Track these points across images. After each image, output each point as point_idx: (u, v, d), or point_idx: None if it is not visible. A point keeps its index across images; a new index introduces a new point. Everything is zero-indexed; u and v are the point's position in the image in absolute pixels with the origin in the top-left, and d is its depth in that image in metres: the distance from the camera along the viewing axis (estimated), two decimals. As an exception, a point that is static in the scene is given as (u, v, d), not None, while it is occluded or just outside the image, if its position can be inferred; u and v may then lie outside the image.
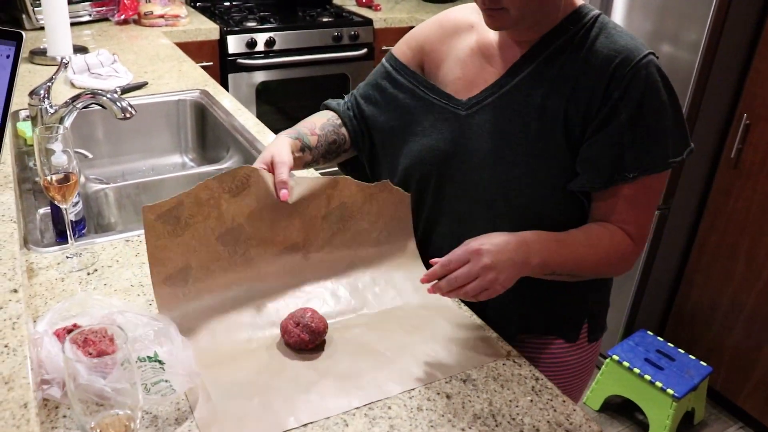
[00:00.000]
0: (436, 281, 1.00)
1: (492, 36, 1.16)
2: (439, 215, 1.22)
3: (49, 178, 1.15)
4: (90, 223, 1.66)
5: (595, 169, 1.06)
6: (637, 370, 2.33)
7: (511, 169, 1.09)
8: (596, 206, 1.11)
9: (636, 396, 2.37)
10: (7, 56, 1.08)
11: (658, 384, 2.28)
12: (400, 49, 1.28)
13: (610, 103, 1.03)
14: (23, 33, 1.06)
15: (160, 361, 0.87)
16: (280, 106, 3.31)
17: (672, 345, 2.47)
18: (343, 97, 1.35)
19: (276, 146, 1.15)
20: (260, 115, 3.21)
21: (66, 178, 1.16)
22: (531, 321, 1.22)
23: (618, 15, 2.34)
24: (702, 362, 2.40)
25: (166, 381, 0.86)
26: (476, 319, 1.14)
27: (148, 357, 0.87)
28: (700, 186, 2.42)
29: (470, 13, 1.20)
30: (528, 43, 1.11)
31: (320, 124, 1.26)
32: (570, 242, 1.07)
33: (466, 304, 1.18)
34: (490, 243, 0.99)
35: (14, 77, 1.06)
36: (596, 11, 1.10)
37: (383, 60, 1.30)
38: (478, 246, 0.99)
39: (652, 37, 2.24)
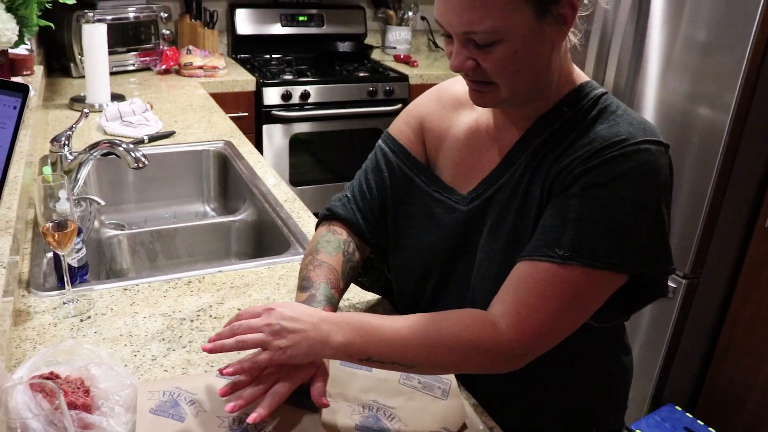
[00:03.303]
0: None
1: (490, 115, 1.08)
2: (436, 306, 1.14)
3: (47, 225, 1.17)
4: (101, 268, 1.68)
5: (533, 239, 0.94)
6: (660, 447, 2.22)
7: (508, 268, 0.99)
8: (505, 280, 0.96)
9: (659, 475, 2.26)
10: (14, 107, 1.11)
11: (683, 464, 2.16)
12: (399, 129, 1.18)
13: (571, 176, 0.92)
14: (29, 86, 1.10)
15: None
16: (314, 157, 3.35)
17: (702, 423, 2.35)
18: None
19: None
20: (293, 166, 3.25)
21: (64, 226, 1.18)
22: (533, 427, 1.12)
23: (652, 77, 2.30)
24: (733, 443, 2.27)
25: None
26: (463, 390, 1.09)
27: None
28: (733, 255, 2.33)
29: None
30: (523, 125, 1.02)
31: (341, 270, 1.11)
32: (388, 325, 0.93)
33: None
34: (289, 306, 0.94)
35: (18, 127, 1.10)
36: (599, 90, 0.99)
37: (380, 142, 1.20)
38: (273, 306, 0.94)
39: (688, 99, 2.19)
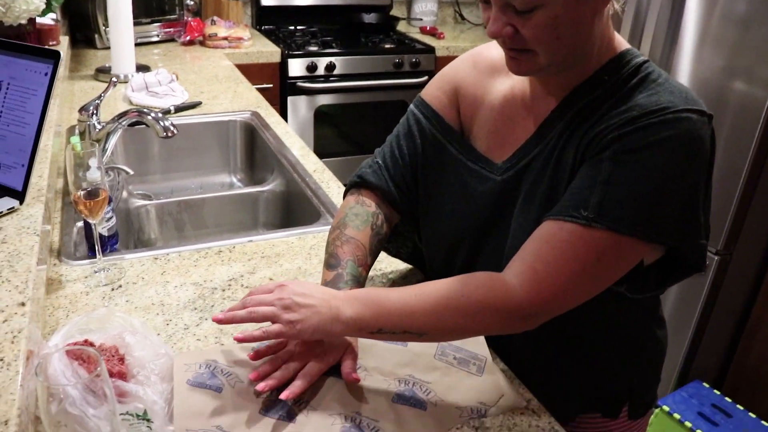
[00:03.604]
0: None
1: (526, 84, 1.04)
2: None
3: (78, 193, 1.16)
4: (130, 238, 1.68)
5: (560, 200, 0.92)
6: (688, 424, 2.20)
7: None
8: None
9: (687, 451, 2.24)
10: (45, 74, 1.10)
11: (711, 441, 2.14)
12: (432, 95, 1.15)
13: (602, 143, 0.90)
14: (60, 52, 1.08)
15: (147, 419, 0.85)
16: (339, 129, 3.33)
17: (730, 400, 2.32)
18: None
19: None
20: (318, 138, 3.23)
21: (95, 194, 1.17)
22: (568, 397, 1.10)
23: (686, 51, 2.24)
24: (763, 422, 2.24)
25: None
26: (499, 362, 1.08)
27: (137, 414, 0.85)
28: (767, 231, 2.28)
29: None
30: (560, 94, 0.99)
31: (369, 245, 1.10)
32: (396, 295, 0.93)
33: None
34: (300, 284, 0.96)
35: (50, 94, 1.09)
36: (641, 59, 0.95)
37: (412, 107, 1.17)
38: (285, 282, 0.95)
39: (724, 73, 2.14)
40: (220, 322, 0.93)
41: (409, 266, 1.32)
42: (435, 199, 1.13)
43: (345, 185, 1.23)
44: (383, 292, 0.95)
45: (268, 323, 0.94)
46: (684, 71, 2.27)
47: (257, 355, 0.96)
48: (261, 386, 0.90)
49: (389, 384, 0.98)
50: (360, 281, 1.06)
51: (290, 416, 0.90)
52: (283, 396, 0.89)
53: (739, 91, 2.11)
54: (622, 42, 0.98)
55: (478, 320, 0.92)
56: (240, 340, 0.92)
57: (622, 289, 0.96)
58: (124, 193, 1.70)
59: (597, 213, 0.87)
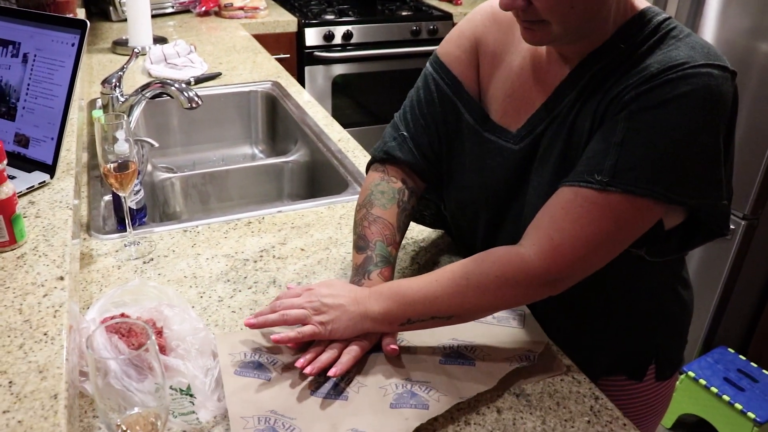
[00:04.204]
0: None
1: (542, 48, 1.01)
2: (492, 244, 1.11)
3: (108, 166, 1.15)
4: (155, 211, 1.68)
5: (577, 165, 0.91)
6: (714, 390, 2.19)
7: None
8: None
9: (712, 417, 2.23)
10: (72, 44, 1.09)
11: (738, 406, 2.13)
12: (451, 54, 1.10)
13: (621, 103, 0.87)
14: (87, 22, 1.06)
15: (191, 395, 0.85)
16: (356, 99, 3.30)
17: (755, 365, 2.31)
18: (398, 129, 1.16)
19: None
20: (336, 108, 3.21)
21: (125, 166, 1.16)
22: (592, 359, 1.09)
23: (712, 10, 2.19)
24: (789, 386, 2.24)
25: (194, 413, 0.85)
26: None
27: (181, 389, 0.86)
28: (795, 196, 2.25)
29: None
30: (576, 59, 0.96)
31: (396, 223, 1.09)
32: (417, 284, 0.94)
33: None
34: (327, 285, 0.98)
35: (78, 65, 1.07)
36: (662, 16, 0.91)
37: (429, 69, 1.12)
38: (313, 285, 0.98)
39: (750, 34, 2.09)
40: (252, 327, 0.95)
41: (439, 231, 1.31)
42: (456, 169, 1.12)
43: (371, 156, 1.20)
44: (405, 283, 0.96)
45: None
46: (709, 31, 2.22)
47: (298, 344, 0.96)
48: (309, 370, 0.90)
49: (434, 350, 0.98)
50: (390, 261, 1.06)
51: (341, 394, 0.90)
52: (331, 373, 0.89)
53: (766, 52, 2.06)
54: (641, 0, 0.95)
55: (500, 295, 0.92)
56: (277, 341, 0.93)
57: (641, 252, 0.95)
58: (149, 167, 1.69)
59: (611, 176, 0.85)
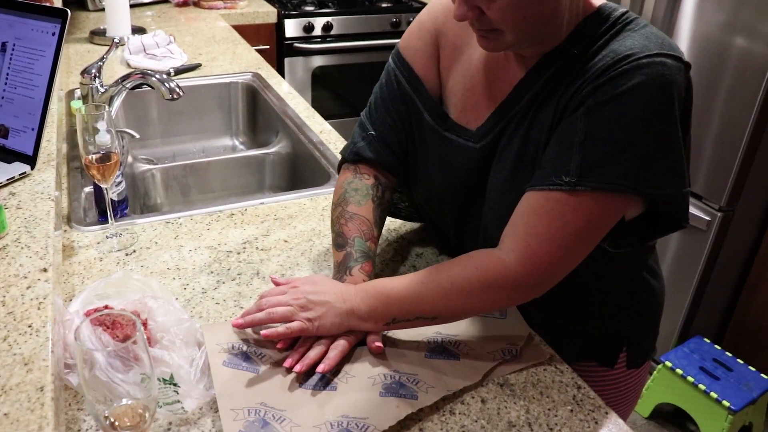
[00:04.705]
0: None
1: None
2: (463, 238, 1.14)
3: (90, 157, 1.14)
4: (136, 203, 1.66)
5: (539, 167, 0.91)
6: (690, 379, 2.23)
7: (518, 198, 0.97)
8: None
9: (688, 406, 2.27)
10: (53, 33, 1.07)
11: (713, 395, 2.17)
12: (410, 46, 1.10)
13: (579, 97, 0.87)
14: (68, 11, 1.05)
15: (175, 384, 0.85)
16: (335, 90, 3.29)
17: (730, 354, 2.35)
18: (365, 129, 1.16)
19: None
20: (315, 100, 3.20)
21: (107, 158, 1.15)
22: (563, 346, 1.09)
23: (688, 5, 2.22)
24: (763, 375, 2.28)
25: (179, 402, 0.85)
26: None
27: (164, 379, 0.85)
28: (769, 188, 2.29)
29: None
30: (533, 59, 0.96)
31: (373, 218, 1.10)
32: (402, 284, 0.95)
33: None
34: (311, 281, 0.98)
35: (59, 54, 1.06)
36: (620, 11, 0.91)
37: (390, 61, 1.13)
38: (297, 281, 0.98)
39: (725, 29, 2.12)
40: (240, 327, 0.95)
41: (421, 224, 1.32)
42: (420, 166, 1.13)
43: (341, 157, 1.20)
44: (390, 283, 0.96)
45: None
46: (686, 27, 2.25)
47: (286, 343, 0.96)
48: (299, 368, 0.91)
49: (419, 344, 0.99)
50: (370, 255, 1.06)
51: (329, 384, 0.91)
52: (319, 369, 0.90)
53: (741, 47, 2.10)
54: None
55: (484, 299, 0.94)
56: (267, 336, 0.94)
57: (604, 245, 0.96)
58: (129, 158, 1.68)
59: (578, 176, 0.86)
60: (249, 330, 0.99)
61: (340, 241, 1.08)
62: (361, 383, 0.91)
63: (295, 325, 0.93)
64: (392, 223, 1.30)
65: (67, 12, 1.06)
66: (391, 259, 1.22)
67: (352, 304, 0.95)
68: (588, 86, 0.87)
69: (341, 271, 1.04)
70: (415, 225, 1.32)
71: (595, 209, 0.88)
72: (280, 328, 0.93)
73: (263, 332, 0.93)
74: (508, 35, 0.88)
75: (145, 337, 0.92)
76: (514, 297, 0.95)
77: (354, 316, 0.94)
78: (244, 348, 0.95)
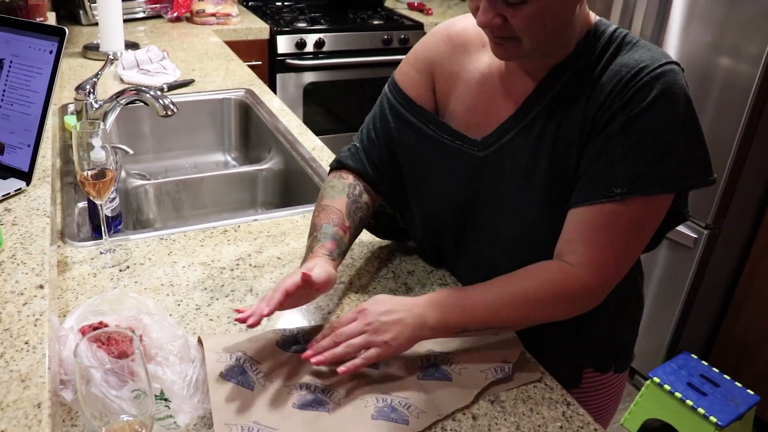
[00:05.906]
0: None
1: (502, 61, 1.04)
2: (459, 258, 1.18)
3: (85, 173, 1.15)
4: (128, 218, 1.67)
5: (582, 183, 0.96)
6: (678, 395, 2.25)
7: (532, 212, 1.02)
8: (564, 228, 0.98)
9: (676, 421, 2.29)
10: (50, 52, 1.09)
11: (701, 410, 2.19)
12: (407, 75, 1.14)
13: (609, 113, 0.93)
14: (66, 29, 1.06)
15: (165, 399, 0.86)
16: (327, 106, 3.31)
17: (717, 370, 2.37)
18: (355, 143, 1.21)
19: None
20: (307, 116, 3.21)
21: (102, 174, 1.16)
22: (564, 353, 1.14)
23: (675, 26, 2.26)
24: (749, 390, 2.30)
25: (171, 417, 0.85)
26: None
27: (155, 395, 0.86)
28: (754, 206, 2.32)
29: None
30: (540, 73, 1.00)
31: (345, 210, 1.12)
32: (476, 295, 0.98)
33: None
34: (379, 302, 0.97)
35: (56, 72, 1.07)
36: (612, 27, 0.99)
37: (386, 89, 1.17)
38: (364, 306, 0.97)
39: (711, 49, 2.16)
40: (320, 363, 0.93)
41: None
42: (421, 182, 1.15)
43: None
44: (462, 294, 0.99)
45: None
46: (672, 46, 2.29)
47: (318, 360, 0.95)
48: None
49: (412, 362, 1.00)
50: (335, 238, 1.08)
51: (323, 405, 0.92)
52: (341, 370, 0.90)
53: (726, 67, 2.14)
54: (592, 14, 1.01)
55: (555, 310, 0.98)
56: (345, 374, 0.92)
57: None
58: (122, 173, 1.68)
59: (628, 185, 0.92)
60: (246, 342, 1.00)
61: (311, 230, 1.11)
62: (354, 405, 0.92)
63: (372, 353, 0.92)
64: (383, 241, 1.32)
65: (65, 31, 1.07)
66: (383, 276, 1.23)
67: (424, 316, 0.96)
68: (616, 101, 0.92)
69: (306, 254, 1.07)
70: (407, 243, 1.33)
71: (646, 213, 0.95)
72: (357, 360, 0.92)
73: (340, 369, 0.91)
74: (526, 43, 0.92)
75: (125, 352, 0.93)
76: (585, 307, 1.00)
77: (426, 327, 0.96)
78: (240, 362, 0.96)
